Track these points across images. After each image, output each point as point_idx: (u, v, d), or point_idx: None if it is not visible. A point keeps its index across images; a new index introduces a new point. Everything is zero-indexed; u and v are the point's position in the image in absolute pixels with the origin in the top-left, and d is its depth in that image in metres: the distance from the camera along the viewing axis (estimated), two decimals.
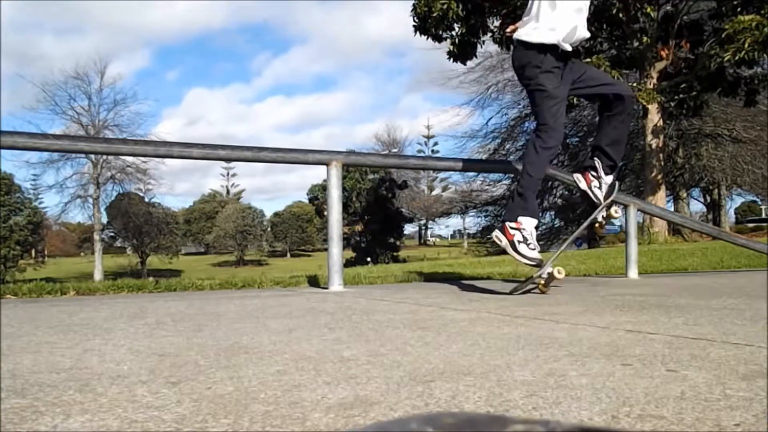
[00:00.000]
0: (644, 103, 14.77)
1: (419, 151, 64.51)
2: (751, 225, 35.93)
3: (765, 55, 12.96)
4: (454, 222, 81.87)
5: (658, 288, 3.78)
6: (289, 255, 62.23)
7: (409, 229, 59.60)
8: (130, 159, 37.44)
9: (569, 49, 3.37)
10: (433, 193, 65.50)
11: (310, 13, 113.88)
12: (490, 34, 15.78)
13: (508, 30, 3.66)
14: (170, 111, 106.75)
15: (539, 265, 3.43)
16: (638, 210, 5.36)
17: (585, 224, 4.11)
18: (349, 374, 1.40)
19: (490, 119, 44.58)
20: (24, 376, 1.43)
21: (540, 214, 10.09)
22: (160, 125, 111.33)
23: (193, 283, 4.40)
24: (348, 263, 28.12)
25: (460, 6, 14.45)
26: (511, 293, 3.45)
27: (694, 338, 1.82)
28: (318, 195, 47.49)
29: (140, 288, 4.14)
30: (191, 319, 2.47)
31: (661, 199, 16.19)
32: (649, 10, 14.32)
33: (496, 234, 3.51)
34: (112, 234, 49.38)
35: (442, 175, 60.65)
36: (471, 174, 29.10)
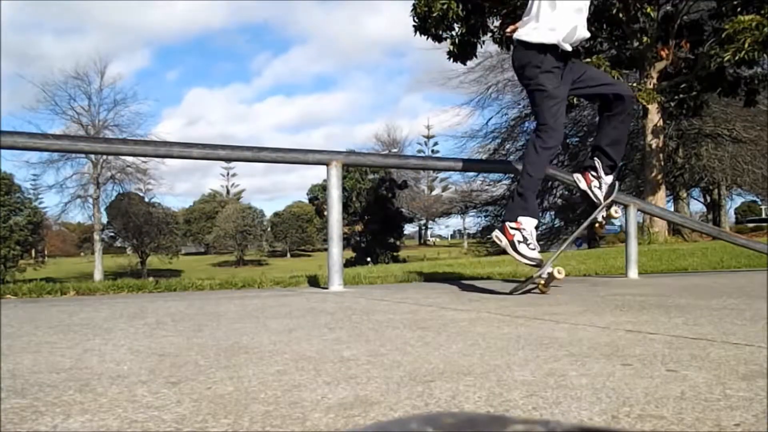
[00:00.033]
0: (644, 103, 14.78)
1: (419, 151, 64.52)
2: (751, 225, 35.94)
3: (765, 55, 12.96)
4: (454, 222, 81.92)
5: (658, 288, 3.78)
6: (289, 255, 62.24)
7: (409, 229, 59.66)
8: (130, 159, 37.50)
9: (569, 49, 3.37)
10: (433, 193, 65.52)
11: (310, 13, 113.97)
12: (490, 34, 15.78)
13: (509, 30, 3.66)
14: (170, 111, 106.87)
15: (539, 265, 3.43)
16: (638, 210, 5.36)
17: (585, 224, 4.11)
18: (349, 374, 1.40)
19: (490, 119, 44.63)
20: (24, 376, 1.43)
21: (540, 214, 10.09)
22: (160, 125, 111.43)
23: (193, 283, 4.40)
24: (348, 263, 28.12)
25: (460, 6, 14.45)
26: (511, 293, 3.45)
27: (694, 338, 1.82)
28: (318, 195, 47.51)
29: (140, 288, 4.14)
30: (191, 319, 2.47)
31: (661, 199, 16.19)
32: (649, 10, 14.32)
33: (496, 234, 3.51)
34: (112, 234, 49.38)
35: (442, 175, 60.67)
36: (471, 174, 29.12)
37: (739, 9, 13.63)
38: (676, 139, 26.11)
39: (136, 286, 4.15)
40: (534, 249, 3.40)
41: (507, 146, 30.89)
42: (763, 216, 48.16)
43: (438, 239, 76.13)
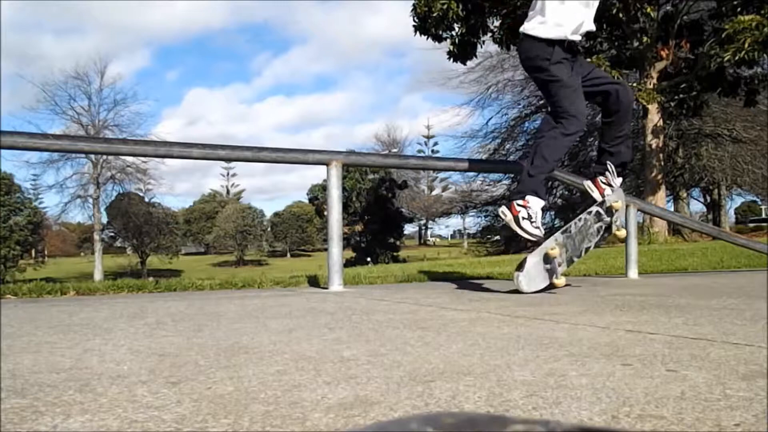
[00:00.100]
0: (644, 103, 14.79)
1: (419, 151, 64.56)
2: (751, 225, 35.94)
3: (765, 55, 12.96)
4: (454, 222, 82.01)
5: (658, 288, 3.78)
6: (289, 255, 62.24)
7: (409, 229, 59.68)
8: (130, 159, 37.51)
9: (578, 39, 3.39)
10: (433, 193, 65.53)
11: (310, 13, 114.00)
12: (490, 34, 15.78)
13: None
14: (170, 111, 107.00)
15: (539, 242, 3.43)
16: (638, 210, 5.36)
17: (602, 234, 3.96)
18: (349, 374, 1.40)
19: (490, 119, 44.68)
20: (24, 376, 1.43)
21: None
22: (160, 125, 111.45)
23: (193, 283, 4.40)
24: (348, 263, 28.12)
25: (460, 6, 14.45)
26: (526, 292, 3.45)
27: (694, 338, 1.82)
28: (318, 195, 47.47)
29: (140, 288, 4.14)
30: (191, 319, 2.47)
31: (661, 199, 16.20)
32: (649, 10, 14.32)
33: (502, 210, 3.49)
34: (112, 234, 49.38)
35: (442, 175, 60.67)
36: (471, 174, 29.08)
37: (739, 9, 13.63)
38: (676, 139, 26.13)
39: (136, 286, 4.15)
40: (537, 228, 3.39)
41: (507, 146, 30.91)
42: (763, 216, 48.18)
43: (438, 239, 76.15)
